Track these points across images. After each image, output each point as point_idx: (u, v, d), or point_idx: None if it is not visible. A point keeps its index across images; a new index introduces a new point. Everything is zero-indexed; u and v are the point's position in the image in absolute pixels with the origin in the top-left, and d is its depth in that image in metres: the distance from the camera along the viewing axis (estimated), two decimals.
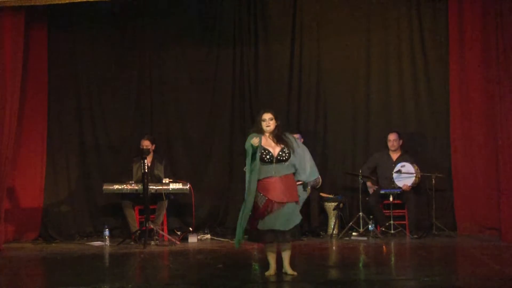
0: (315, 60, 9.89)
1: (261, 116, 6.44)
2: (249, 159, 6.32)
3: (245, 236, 6.45)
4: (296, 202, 6.33)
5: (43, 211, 9.58)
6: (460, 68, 9.22)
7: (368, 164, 9.46)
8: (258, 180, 6.28)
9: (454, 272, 6.88)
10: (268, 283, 6.18)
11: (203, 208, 9.79)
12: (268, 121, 6.40)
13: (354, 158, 9.78)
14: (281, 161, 6.30)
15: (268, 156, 6.29)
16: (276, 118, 6.43)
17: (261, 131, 6.43)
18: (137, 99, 10.04)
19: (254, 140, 6.28)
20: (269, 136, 6.40)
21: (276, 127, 6.41)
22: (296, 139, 6.54)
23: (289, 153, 6.33)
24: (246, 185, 6.33)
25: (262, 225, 6.22)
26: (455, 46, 9.25)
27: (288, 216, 6.25)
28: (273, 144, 6.37)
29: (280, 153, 6.31)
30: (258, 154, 6.28)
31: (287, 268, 6.39)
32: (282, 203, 6.24)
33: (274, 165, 6.29)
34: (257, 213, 6.26)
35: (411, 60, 9.66)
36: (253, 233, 6.32)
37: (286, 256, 6.41)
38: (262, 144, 6.34)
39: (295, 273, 6.35)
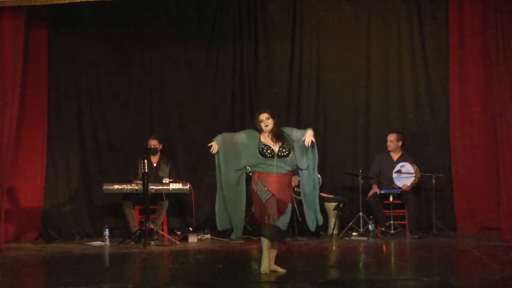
0: (315, 60, 9.88)
1: (258, 117, 6.50)
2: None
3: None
4: (289, 203, 6.44)
5: (43, 211, 9.58)
6: (460, 68, 9.22)
7: (373, 168, 9.45)
8: (258, 172, 6.37)
9: (454, 272, 6.87)
10: (268, 283, 6.18)
11: (203, 208, 9.78)
12: (266, 121, 6.46)
13: (354, 158, 9.78)
14: (282, 157, 6.37)
15: (269, 151, 6.37)
16: (273, 116, 6.49)
17: (259, 131, 6.51)
18: (137, 99, 10.04)
19: (214, 147, 6.38)
20: (268, 135, 6.47)
21: (275, 125, 6.48)
22: (292, 129, 6.59)
23: (289, 149, 6.41)
24: (218, 178, 6.43)
25: (269, 220, 6.30)
26: (455, 46, 9.25)
27: (287, 216, 6.39)
28: (272, 142, 6.44)
29: (281, 149, 6.39)
30: (254, 154, 6.37)
31: (275, 266, 6.47)
32: (286, 202, 6.35)
33: (275, 160, 6.35)
34: (261, 206, 6.32)
35: (411, 60, 9.66)
36: (259, 227, 6.37)
37: (273, 255, 6.50)
38: (262, 140, 6.44)
39: (285, 270, 6.44)
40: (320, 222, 6.56)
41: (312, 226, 6.55)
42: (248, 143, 6.42)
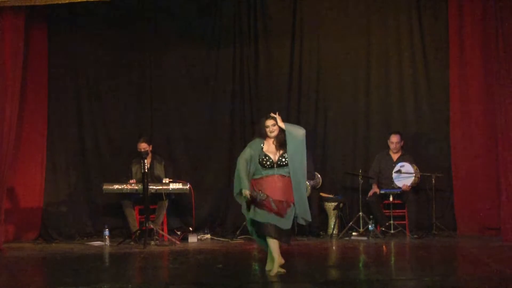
0: (315, 60, 9.88)
1: (264, 123, 6.56)
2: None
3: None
4: (292, 203, 6.41)
5: (43, 211, 9.58)
6: (460, 68, 9.22)
7: (373, 168, 9.44)
8: (253, 180, 6.41)
9: (454, 272, 6.87)
10: (268, 283, 6.18)
11: (203, 208, 9.79)
12: (271, 127, 6.52)
13: (354, 158, 9.77)
14: (281, 166, 6.44)
15: (268, 163, 6.43)
16: (277, 123, 6.54)
17: (264, 137, 6.55)
18: (137, 99, 10.04)
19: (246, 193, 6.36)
20: (272, 142, 6.52)
21: (280, 131, 6.52)
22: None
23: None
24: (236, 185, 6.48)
25: (263, 217, 6.29)
26: (455, 46, 9.24)
27: (288, 216, 6.37)
28: (274, 150, 6.48)
29: (280, 158, 6.44)
30: (255, 162, 6.43)
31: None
32: (281, 201, 6.33)
33: (275, 169, 6.42)
34: (257, 205, 6.33)
35: (411, 60, 9.65)
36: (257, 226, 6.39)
37: None
38: (264, 150, 6.49)
39: (284, 270, 6.42)
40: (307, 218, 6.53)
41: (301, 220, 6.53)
42: (254, 155, 6.47)
